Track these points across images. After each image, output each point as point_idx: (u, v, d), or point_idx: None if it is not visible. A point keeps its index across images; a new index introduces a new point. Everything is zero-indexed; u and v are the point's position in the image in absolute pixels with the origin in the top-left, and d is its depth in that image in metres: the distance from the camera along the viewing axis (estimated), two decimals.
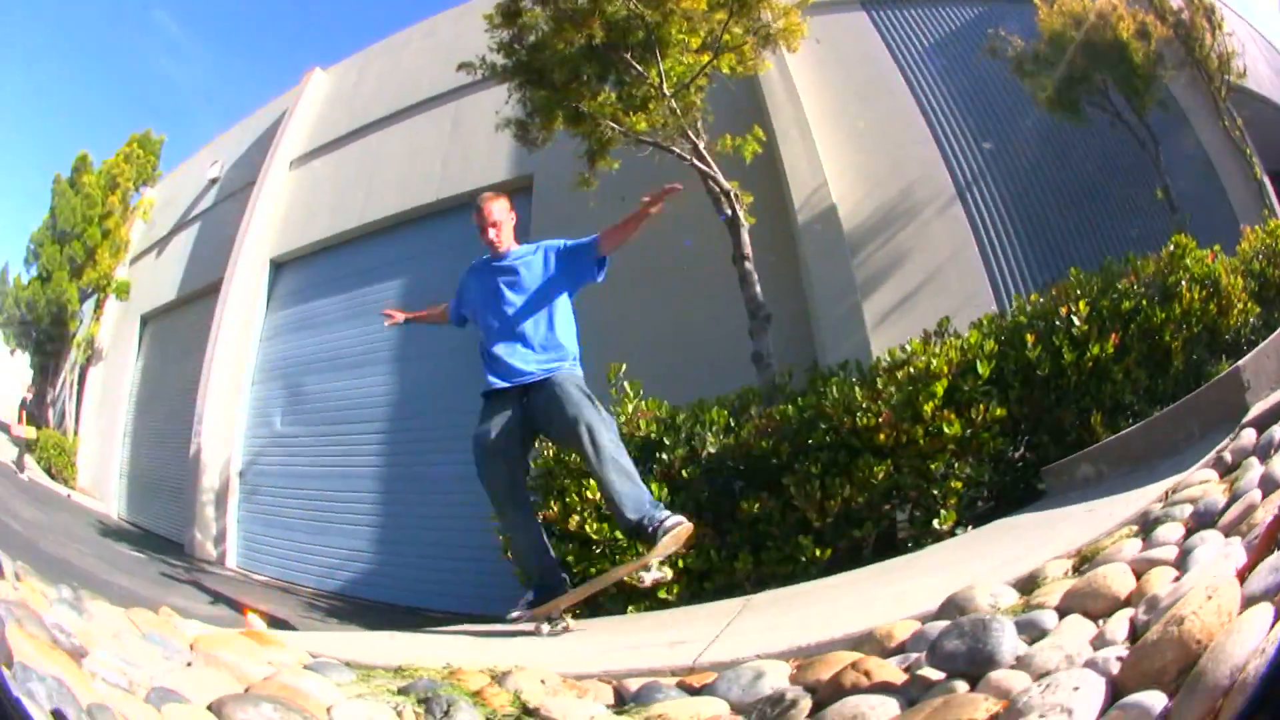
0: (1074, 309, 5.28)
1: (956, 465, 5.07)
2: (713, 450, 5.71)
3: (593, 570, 5.49)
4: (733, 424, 5.82)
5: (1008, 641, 1.99)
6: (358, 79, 15.38)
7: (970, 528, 4.88)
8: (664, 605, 5.26)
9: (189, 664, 2.93)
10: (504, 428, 4.66)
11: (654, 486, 5.45)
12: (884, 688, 2.01)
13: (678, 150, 7.09)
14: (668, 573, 4.75)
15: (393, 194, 13.07)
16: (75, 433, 22.16)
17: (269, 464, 13.87)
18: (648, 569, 4.58)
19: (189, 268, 18.46)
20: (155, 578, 9.80)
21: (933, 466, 5.06)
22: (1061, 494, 4.56)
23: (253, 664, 3.05)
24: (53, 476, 20.01)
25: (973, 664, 1.97)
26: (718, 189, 7.03)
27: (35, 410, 21.48)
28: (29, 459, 19.01)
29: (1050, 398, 5.23)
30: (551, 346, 4.73)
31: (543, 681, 2.92)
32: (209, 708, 2.34)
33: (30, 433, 19.75)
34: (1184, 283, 5.33)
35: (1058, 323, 5.30)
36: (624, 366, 6.31)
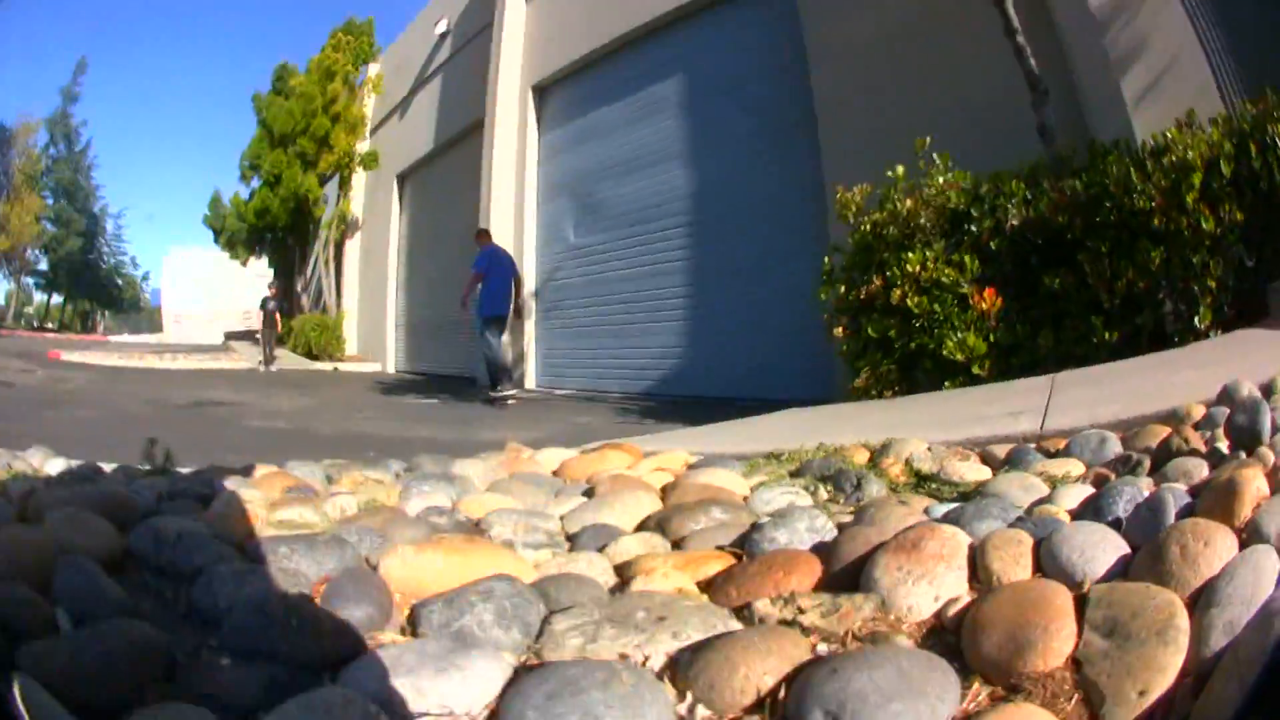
0: (1277, 130, 5.26)
1: (1211, 263, 5.28)
2: (1015, 223, 6.05)
3: (913, 345, 6.15)
4: (1029, 196, 6.09)
5: (1270, 420, 2.47)
6: None
7: (1220, 332, 5.20)
8: (976, 380, 5.80)
9: (587, 495, 3.09)
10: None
11: (966, 258, 6.03)
12: (1196, 453, 2.50)
13: None
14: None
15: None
16: (339, 307, 24.48)
17: (566, 277, 14.72)
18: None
19: (441, 118, 19.26)
20: (462, 416, 9.94)
21: (1194, 260, 5.30)
22: None
23: (653, 474, 3.39)
24: (314, 357, 22.20)
25: (1251, 437, 2.42)
26: None
27: (282, 305, 22.99)
28: (278, 352, 20.81)
29: (1271, 214, 5.30)
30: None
31: (928, 449, 3.37)
32: (658, 527, 2.56)
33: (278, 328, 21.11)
34: None
35: (1267, 140, 5.28)
36: (929, 140, 6.70)
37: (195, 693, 1.51)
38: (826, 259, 7.29)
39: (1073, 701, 1.34)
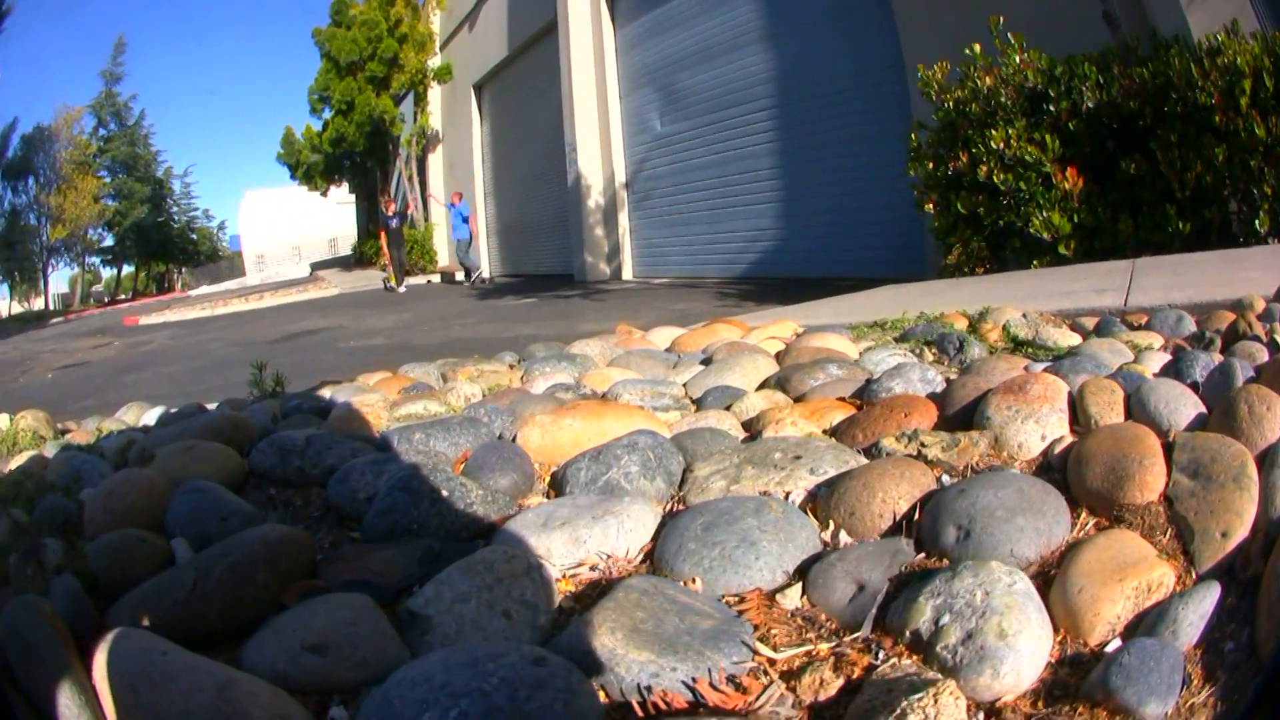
0: None
1: (1266, 171, 5.27)
2: (1090, 105, 6.05)
3: (1001, 222, 6.24)
4: (1101, 81, 6.07)
5: None
6: None
7: (1277, 241, 5.25)
8: (1062, 260, 5.90)
9: (704, 363, 3.26)
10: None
11: (1047, 137, 6.03)
12: (1258, 339, 2.61)
13: None
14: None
15: None
16: (426, 220, 24.59)
17: (656, 167, 14.61)
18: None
19: (512, 24, 19.01)
20: (561, 312, 9.95)
21: (1252, 164, 5.30)
22: None
23: (766, 342, 3.59)
24: (407, 272, 21.37)
25: None
26: None
27: (403, 220, 22.31)
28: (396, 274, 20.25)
29: None
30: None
31: (1024, 315, 3.53)
32: (778, 385, 2.77)
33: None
34: None
35: None
36: (1001, 19, 6.60)
37: (341, 582, 1.58)
38: (913, 135, 7.28)
39: (1167, 535, 1.48)
